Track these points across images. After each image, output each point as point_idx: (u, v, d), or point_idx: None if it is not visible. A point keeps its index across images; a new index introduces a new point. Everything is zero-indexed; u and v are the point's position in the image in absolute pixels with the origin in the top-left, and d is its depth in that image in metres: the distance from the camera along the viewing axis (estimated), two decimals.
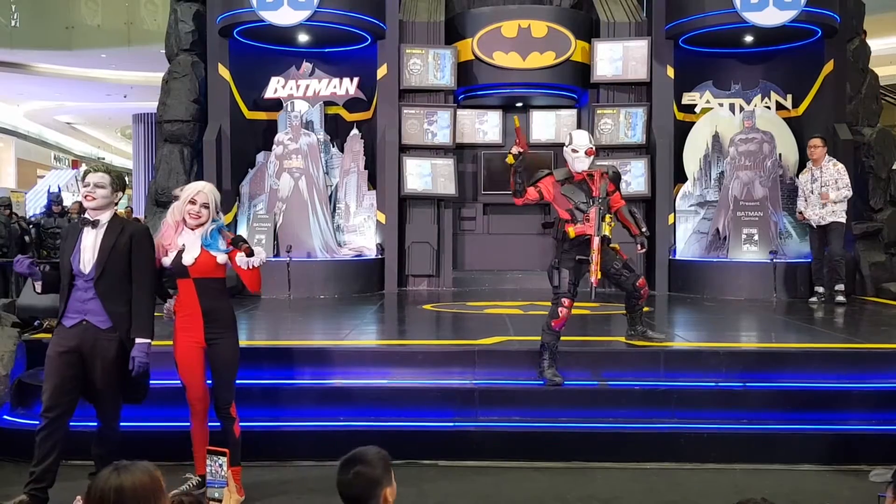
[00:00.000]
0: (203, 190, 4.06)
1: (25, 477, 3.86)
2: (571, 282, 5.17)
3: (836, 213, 8.09)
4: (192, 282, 4.02)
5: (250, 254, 3.99)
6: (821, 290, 8.28)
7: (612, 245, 5.28)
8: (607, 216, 5.14)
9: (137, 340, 3.89)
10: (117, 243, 3.87)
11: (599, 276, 5.12)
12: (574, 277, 5.18)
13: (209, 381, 4.17)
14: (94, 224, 3.89)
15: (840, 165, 8.24)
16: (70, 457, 4.18)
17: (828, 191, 8.05)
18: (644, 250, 5.45)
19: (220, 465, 2.43)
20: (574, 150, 5.21)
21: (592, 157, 5.25)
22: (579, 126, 10.41)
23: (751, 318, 7.66)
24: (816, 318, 7.49)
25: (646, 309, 7.91)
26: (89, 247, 3.87)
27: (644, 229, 5.43)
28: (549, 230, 5.55)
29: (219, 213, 4.13)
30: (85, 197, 3.90)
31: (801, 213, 8.39)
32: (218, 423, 4.18)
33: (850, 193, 8.17)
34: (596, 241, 5.08)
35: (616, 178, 5.37)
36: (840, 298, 8.11)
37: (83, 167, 26.93)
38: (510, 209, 10.55)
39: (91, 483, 2.04)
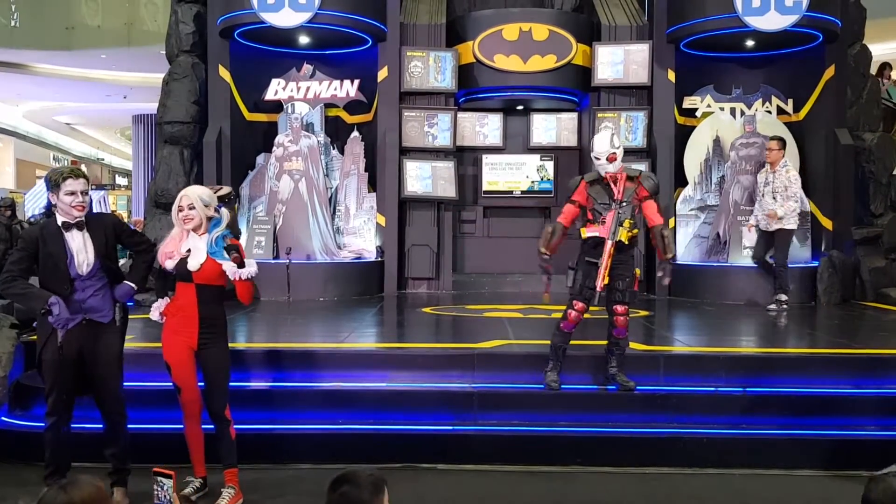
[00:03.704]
0: (186, 193, 4.09)
1: (24, 478, 3.86)
2: (583, 284, 5.04)
3: (784, 220, 8.03)
4: (194, 286, 4.03)
5: (241, 265, 3.98)
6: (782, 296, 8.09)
7: (635, 269, 5.15)
8: (626, 221, 4.96)
9: (125, 282, 4.09)
10: (106, 236, 4.04)
11: (606, 282, 4.95)
12: (587, 280, 5.03)
13: (201, 384, 4.17)
14: (80, 226, 3.98)
15: (793, 173, 8.17)
16: (81, 459, 4.19)
17: (776, 196, 8.02)
18: (667, 280, 5.13)
19: (167, 490, 2.46)
20: (596, 158, 5.07)
21: (617, 161, 5.03)
22: (579, 129, 10.43)
23: (750, 322, 7.65)
24: (816, 324, 7.49)
25: (644, 313, 7.97)
26: (81, 248, 3.96)
27: (670, 255, 5.10)
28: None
29: (218, 211, 4.13)
30: (75, 207, 3.94)
31: (751, 225, 8.36)
32: (212, 427, 4.18)
33: (797, 205, 8.08)
34: (608, 244, 4.94)
35: (653, 189, 5.12)
36: (771, 307, 7.94)
37: (82, 167, 26.94)
38: (510, 212, 10.56)
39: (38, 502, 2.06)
